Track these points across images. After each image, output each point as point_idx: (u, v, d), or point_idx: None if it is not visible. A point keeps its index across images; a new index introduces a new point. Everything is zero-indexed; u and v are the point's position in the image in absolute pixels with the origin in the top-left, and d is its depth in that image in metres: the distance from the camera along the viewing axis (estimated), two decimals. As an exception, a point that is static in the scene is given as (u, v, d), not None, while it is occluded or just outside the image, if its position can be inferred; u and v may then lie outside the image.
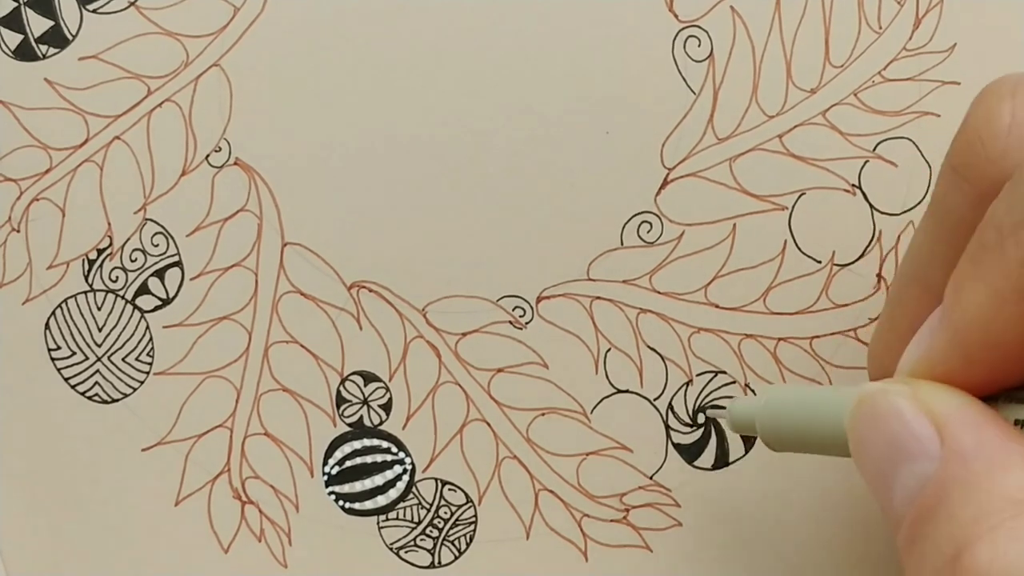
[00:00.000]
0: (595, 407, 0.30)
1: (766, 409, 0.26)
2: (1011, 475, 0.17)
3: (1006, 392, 0.19)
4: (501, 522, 0.31)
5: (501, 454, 0.31)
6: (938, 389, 0.19)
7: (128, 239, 0.31)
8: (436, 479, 0.31)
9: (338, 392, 0.31)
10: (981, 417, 0.19)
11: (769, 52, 0.30)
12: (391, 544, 0.31)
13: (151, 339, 0.31)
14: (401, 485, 0.31)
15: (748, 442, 0.30)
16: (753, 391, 0.30)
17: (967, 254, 0.19)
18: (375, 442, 0.31)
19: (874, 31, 0.30)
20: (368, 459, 0.31)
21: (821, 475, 0.30)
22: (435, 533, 0.31)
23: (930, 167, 0.30)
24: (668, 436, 0.30)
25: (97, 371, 0.31)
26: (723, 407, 0.30)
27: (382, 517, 0.31)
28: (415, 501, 0.31)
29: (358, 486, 0.31)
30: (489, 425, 0.31)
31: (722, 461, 0.30)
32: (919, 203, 0.30)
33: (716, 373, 0.30)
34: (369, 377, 0.31)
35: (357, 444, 0.31)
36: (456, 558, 0.31)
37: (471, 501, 0.31)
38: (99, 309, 0.31)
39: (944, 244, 0.22)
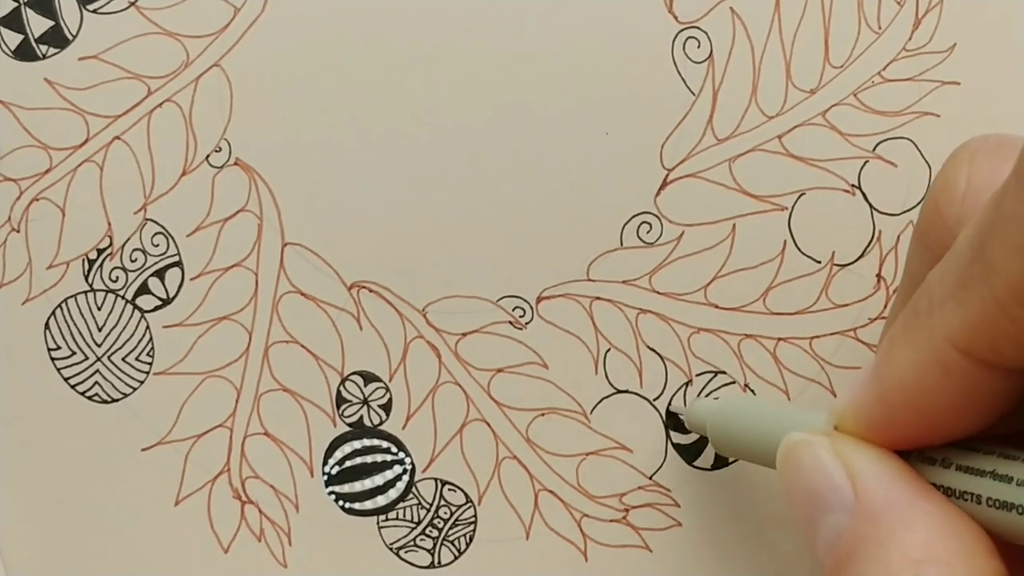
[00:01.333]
0: (595, 407, 0.30)
1: (718, 415, 0.26)
2: (913, 535, 0.18)
3: (923, 450, 0.20)
4: (501, 522, 0.31)
5: (501, 454, 0.31)
6: (856, 444, 0.20)
7: (128, 239, 0.31)
8: (436, 479, 0.31)
9: (338, 392, 0.31)
10: (894, 473, 0.19)
11: (768, 53, 0.30)
12: (391, 544, 0.31)
13: (151, 339, 0.31)
14: (401, 485, 0.31)
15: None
16: (753, 391, 0.30)
17: (903, 316, 0.20)
18: (375, 442, 0.31)
19: (874, 31, 0.30)
20: (368, 459, 0.31)
21: (821, 475, 0.30)
22: (435, 533, 0.31)
23: (930, 167, 0.30)
24: (668, 436, 0.30)
25: (97, 371, 0.31)
26: (683, 405, 0.30)
27: (382, 517, 0.31)
28: (415, 501, 0.31)
29: (358, 486, 0.31)
30: (489, 425, 0.31)
31: (722, 461, 0.30)
32: (919, 203, 0.30)
33: (716, 373, 0.30)
34: (369, 377, 0.31)
35: (357, 444, 0.31)
36: (456, 558, 0.31)
37: (471, 501, 0.31)
38: (99, 309, 0.31)
39: None
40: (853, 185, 0.30)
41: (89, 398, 0.31)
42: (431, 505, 0.31)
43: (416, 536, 0.31)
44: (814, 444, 0.21)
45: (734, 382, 0.30)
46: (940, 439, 0.19)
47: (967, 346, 0.18)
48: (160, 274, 0.31)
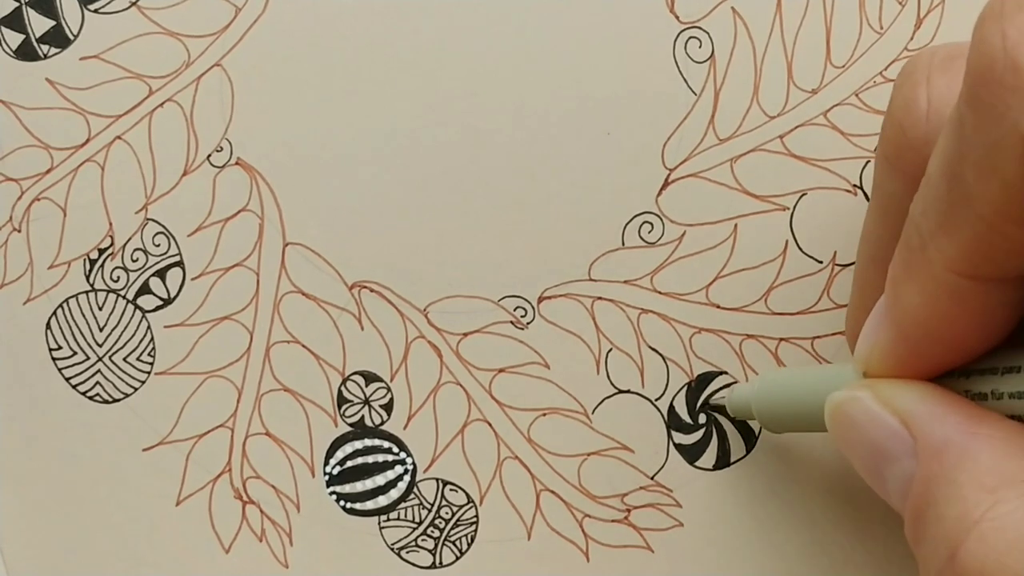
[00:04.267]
0: (596, 407, 0.30)
1: (760, 393, 0.26)
2: (980, 464, 0.18)
3: (952, 373, 0.20)
4: (502, 522, 0.31)
5: (502, 454, 0.31)
6: (898, 385, 0.20)
7: (129, 239, 0.31)
8: (437, 479, 0.31)
9: (339, 392, 0.31)
10: (943, 406, 0.19)
11: (770, 53, 0.30)
12: (392, 544, 0.31)
13: (152, 339, 0.31)
14: (402, 485, 0.31)
15: (749, 442, 0.30)
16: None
17: (898, 255, 0.20)
18: (376, 442, 0.31)
19: (875, 31, 0.30)
20: (369, 459, 0.31)
21: (822, 475, 0.30)
22: (436, 533, 0.31)
23: (931, 167, 0.30)
24: (669, 436, 0.30)
25: (98, 371, 0.31)
26: (723, 397, 0.30)
27: (383, 517, 0.31)
28: (416, 501, 0.31)
29: (359, 486, 0.31)
30: (490, 425, 0.31)
31: (723, 461, 0.30)
32: (920, 203, 0.30)
33: (718, 373, 0.30)
34: (370, 377, 0.31)
35: (358, 444, 0.31)
36: (457, 558, 0.31)
37: (472, 501, 0.31)
38: (100, 309, 0.31)
39: (891, 228, 0.23)
40: (855, 185, 0.30)
41: (90, 398, 0.31)
42: (432, 505, 0.31)
43: (417, 536, 0.31)
44: (859, 398, 0.20)
45: (735, 382, 0.30)
46: (966, 359, 0.19)
47: (969, 270, 0.18)
48: (161, 274, 0.31)
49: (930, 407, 0.19)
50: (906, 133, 0.22)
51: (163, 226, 0.31)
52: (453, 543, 0.31)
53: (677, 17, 0.30)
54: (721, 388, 0.30)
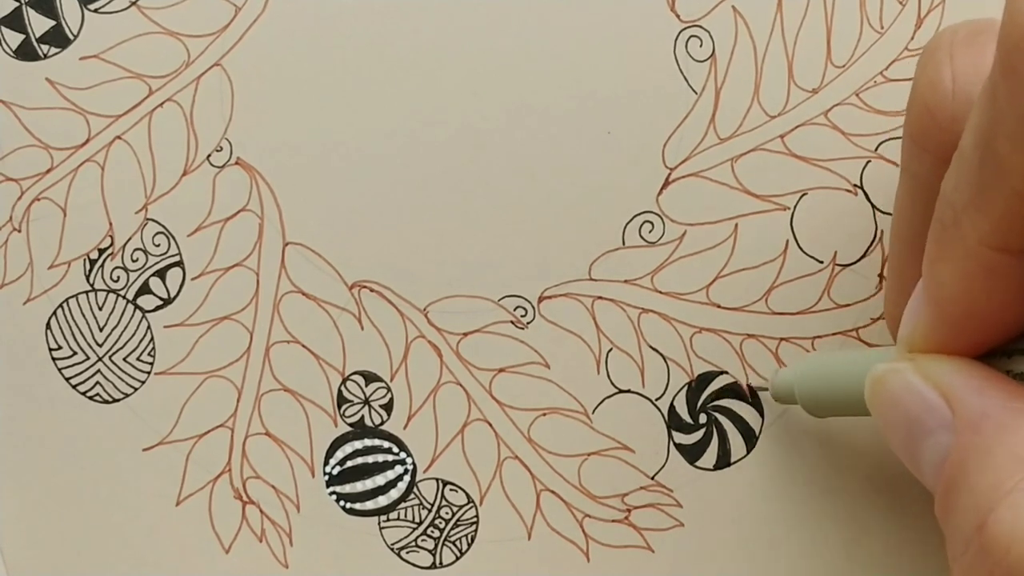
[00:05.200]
0: (597, 407, 0.30)
1: (803, 376, 0.27)
2: (1017, 435, 0.18)
3: (999, 348, 0.20)
4: (503, 522, 0.31)
5: (502, 454, 0.31)
6: (939, 360, 0.20)
7: (129, 239, 0.31)
8: (437, 479, 0.31)
9: (339, 392, 0.31)
10: (983, 381, 0.19)
11: (771, 52, 0.30)
12: (392, 544, 0.31)
13: (152, 339, 0.31)
14: (402, 485, 0.31)
15: (749, 442, 0.30)
16: (755, 391, 0.30)
17: (932, 233, 0.19)
18: (376, 442, 0.31)
19: (876, 31, 0.30)
20: (369, 459, 0.31)
21: (822, 475, 0.30)
22: (436, 533, 0.31)
23: (932, 167, 0.30)
24: (670, 436, 0.30)
25: (98, 371, 0.31)
26: (766, 380, 0.30)
27: (383, 517, 0.31)
28: (416, 501, 0.31)
29: (359, 486, 0.31)
30: (490, 425, 0.31)
31: (724, 461, 0.30)
32: (921, 203, 0.30)
33: (718, 373, 0.30)
34: (370, 377, 0.31)
35: (358, 444, 0.31)
36: (457, 558, 0.31)
37: (472, 501, 0.31)
38: (100, 309, 0.31)
39: (921, 209, 0.23)
40: (855, 185, 0.30)
41: (90, 398, 0.31)
42: (432, 505, 0.31)
43: (417, 536, 0.31)
44: (900, 371, 0.20)
45: (736, 382, 0.30)
46: (1008, 336, 0.19)
47: (1003, 244, 0.18)
48: (161, 274, 0.31)
49: (969, 381, 0.19)
50: (932, 112, 0.22)
51: (163, 226, 0.31)
52: (453, 543, 0.31)
53: (678, 16, 0.30)
54: (721, 388, 0.30)
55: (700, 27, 0.30)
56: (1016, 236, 0.18)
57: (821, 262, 0.30)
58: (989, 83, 0.17)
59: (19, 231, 0.31)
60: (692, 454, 0.30)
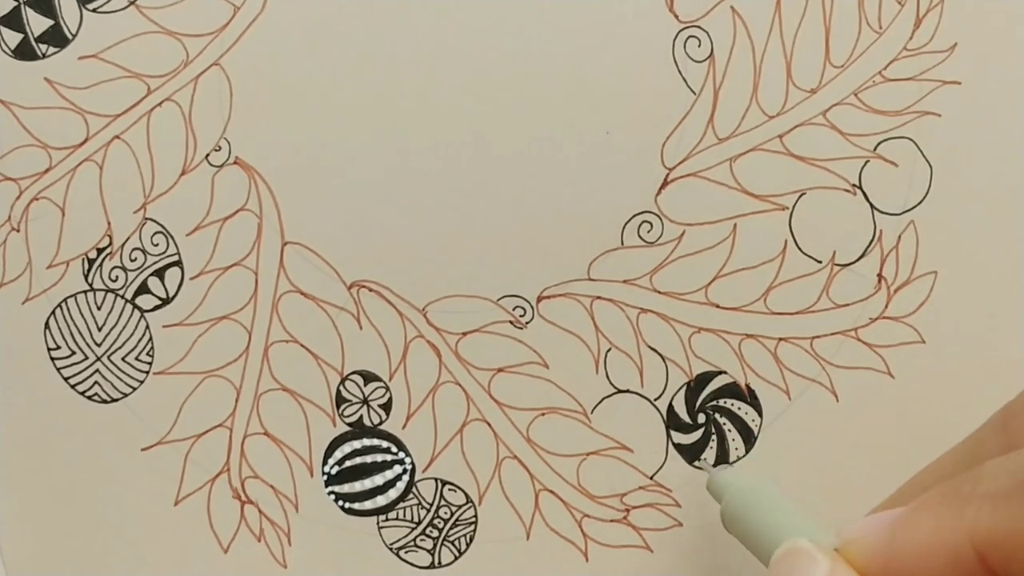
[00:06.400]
0: (595, 407, 0.30)
1: (735, 495, 0.26)
2: None
3: None
4: (501, 522, 0.31)
5: (501, 454, 0.31)
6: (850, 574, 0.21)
7: (128, 238, 0.31)
8: (436, 479, 0.31)
9: (338, 392, 0.31)
10: None
11: (769, 52, 0.30)
12: (391, 544, 0.31)
13: (151, 338, 0.31)
14: (401, 485, 0.31)
15: (749, 443, 0.30)
16: (753, 391, 0.30)
17: (942, 487, 0.20)
18: (375, 442, 0.31)
19: (875, 31, 0.30)
20: (368, 459, 0.31)
21: (821, 475, 0.30)
22: (435, 533, 0.31)
23: (931, 167, 0.30)
24: (668, 436, 0.30)
25: (97, 371, 0.31)
26: (710, 464, 0.30)
27: (382, 517, 0.31)
28: (415, 501, 0.31)
29: (358, 486, 0.31)
30: (489, 425, 0.31)
31: (723, 461, 0.30)
32: (920, 203, 0.30)
33: (717, 373, 0.30)
34: (369, 377, 0.31)
35: (357, 444, 0.31)
36: (456, 558, 0.31)
37: (471, 501, 0.31)
38: (99, 308, 0.31)
39: (965, 465, 0.23)
40: (854, 185, 0.30)
41: (89, 398, 0.31)
42: (431, 505, 0.31)
43: (416, 536, 0.31)
44: (816, 561, 0.21)
45: (735, 382, 0.30)
46: None
47: (984, 549, 0.18)
48: (160, 273, 0.31)
49: None
50: None
51: (162, 225, 0.31)
52: (452, 543, 0.31)
53: (676, 16, 0.30)
54: (720, 388, 0.30)
55: (699, 27, 0.30)
56: (1001, 555, 0.18)
57: (820, 262, 0.30)
58: None
59: (18, 231, 0.31)
60: (691, 454, 0.30)
